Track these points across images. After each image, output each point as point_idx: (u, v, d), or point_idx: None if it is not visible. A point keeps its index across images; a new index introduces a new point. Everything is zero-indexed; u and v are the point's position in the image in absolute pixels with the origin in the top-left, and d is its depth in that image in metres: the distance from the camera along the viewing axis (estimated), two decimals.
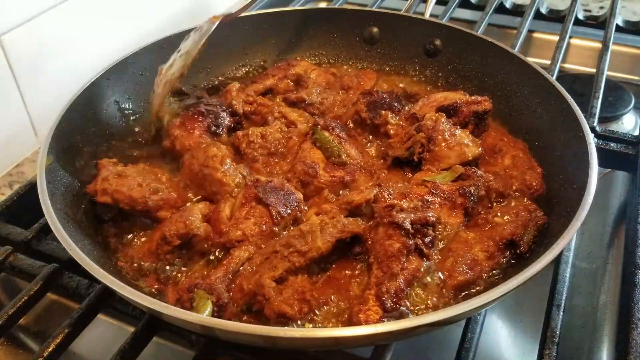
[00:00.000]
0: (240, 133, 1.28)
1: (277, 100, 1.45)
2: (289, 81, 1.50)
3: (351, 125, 1.36)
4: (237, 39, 1.57)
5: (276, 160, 1.25)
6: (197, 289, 0.95)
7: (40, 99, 1.54)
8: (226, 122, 1.33)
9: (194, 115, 1.31)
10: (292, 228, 1.08)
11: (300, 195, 1.12)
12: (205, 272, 1.03)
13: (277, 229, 1.06)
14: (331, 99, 1.45)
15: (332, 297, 0.98)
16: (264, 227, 1.05)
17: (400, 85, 1.53)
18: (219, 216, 1.08)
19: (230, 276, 0.99)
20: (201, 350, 0.95)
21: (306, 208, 1.13)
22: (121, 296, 0.85)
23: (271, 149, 1.26)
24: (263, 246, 1.04)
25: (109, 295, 1.03)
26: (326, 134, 1.23)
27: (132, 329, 0.97)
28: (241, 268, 1.01)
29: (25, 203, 1.24)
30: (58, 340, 0.95)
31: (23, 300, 1.03)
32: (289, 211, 1.08)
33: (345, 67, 1.61)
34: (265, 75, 1.53)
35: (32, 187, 1.23)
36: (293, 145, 1.27)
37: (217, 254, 1.06)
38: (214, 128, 1.30)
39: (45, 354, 0.93)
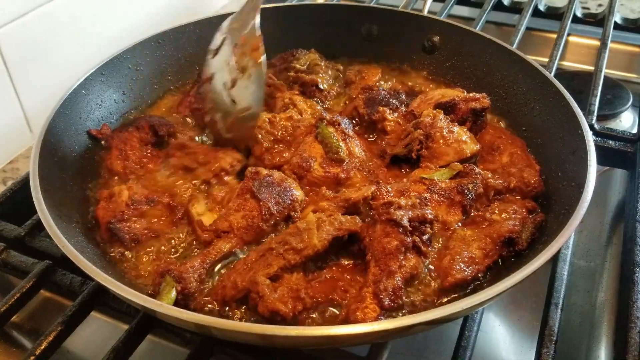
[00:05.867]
0: None
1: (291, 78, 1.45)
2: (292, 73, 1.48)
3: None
4: None
5: (281, 147, 1.25)
6: (167, 275, 0.95)
7: (35, 94, 1.53)
8: None
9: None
10: (284, 226, 1.07)
11: (298, 194, 1.11)
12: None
13: (264, 226, 1.05)
14: (334, 93, 1.46)
15: (329, 295, 0.97)
16: (251, 221, 1.05)
17: (401, 81, 1.53)
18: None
19: (207, 266, 0.98)
20: (196, 348, 0.94)
21: (299, 209, 1.11)
22: (114, 294, 0.84)
23: (277, 136, 1.25)
24: (247, 241, 1.04)
25: (102, 293, 1.02)
26: (331, 129, 1.22)
27: (126, 327, 0.96)
28: (228, 260, 1.01)
29: (18, 199, 1.23)
30: (51, 338, 0.94)
31: (16, 297, 1.02)
32: (280, 209, 1.07)
33: (342, 64, 1.60)
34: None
35: (25, 184, 1.22)
36: (299, 134, 1.26)
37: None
38: None
39: (38, 352, 0.92)
